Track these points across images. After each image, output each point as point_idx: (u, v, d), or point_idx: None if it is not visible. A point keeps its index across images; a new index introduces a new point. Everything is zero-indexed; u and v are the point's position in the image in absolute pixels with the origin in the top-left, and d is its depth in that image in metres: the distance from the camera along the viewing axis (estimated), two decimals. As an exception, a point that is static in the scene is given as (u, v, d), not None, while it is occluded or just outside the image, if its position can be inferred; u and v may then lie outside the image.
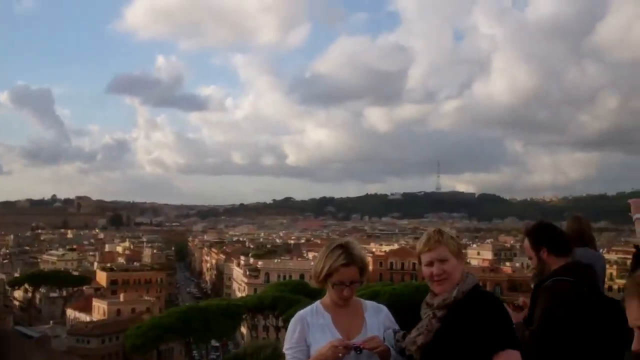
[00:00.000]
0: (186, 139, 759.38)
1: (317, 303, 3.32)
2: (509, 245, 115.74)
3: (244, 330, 63.45)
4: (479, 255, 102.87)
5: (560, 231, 4.10)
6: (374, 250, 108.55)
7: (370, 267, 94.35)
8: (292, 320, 3.25)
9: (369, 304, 3.35)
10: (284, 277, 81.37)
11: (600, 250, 6.80)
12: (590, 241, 5.21)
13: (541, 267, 3.87)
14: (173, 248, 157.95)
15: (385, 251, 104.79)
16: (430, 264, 3.00)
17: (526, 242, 4.02)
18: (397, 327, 3.25)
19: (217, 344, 61.63)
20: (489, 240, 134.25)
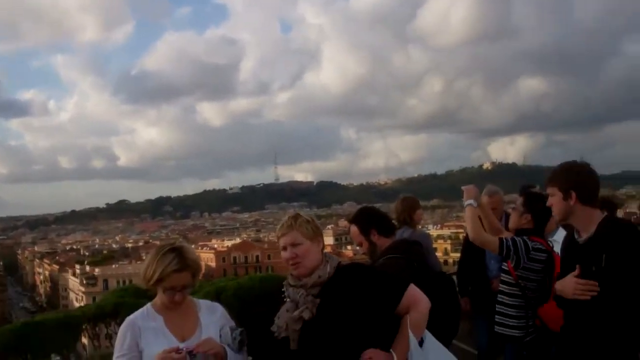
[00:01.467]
0: (7, 147, 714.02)
1: (148, 305, 3.17)
2: (348, 229, 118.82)
3: (85, 340, 60.93)
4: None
5: (384, 213, 4.35)
6: (215, 246, 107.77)
7: (213, 264, 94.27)
8: (122, 326, 3.08)
9: (203, 304, 3.26)
10: (124, 282, 78.68)
11: (434, 227, 7.18)
12: (406, 221, 5.52)
13: (373, 248, 4.04)
14: (1, 263, 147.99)
15: (227, 246, 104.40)
16: (285, 248, 3.02)
17: (353, 229, 4.16)
18: (233, 324, 3.17)
19: (58, 357, 58.79)
20: (329, 226, 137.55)
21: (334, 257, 3.11)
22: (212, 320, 3.17)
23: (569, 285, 3.26)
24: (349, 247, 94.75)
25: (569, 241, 3.46)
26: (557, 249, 4.09)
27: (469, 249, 5.87)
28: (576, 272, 3.24)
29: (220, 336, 3.06)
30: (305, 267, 2.98)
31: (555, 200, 3.35)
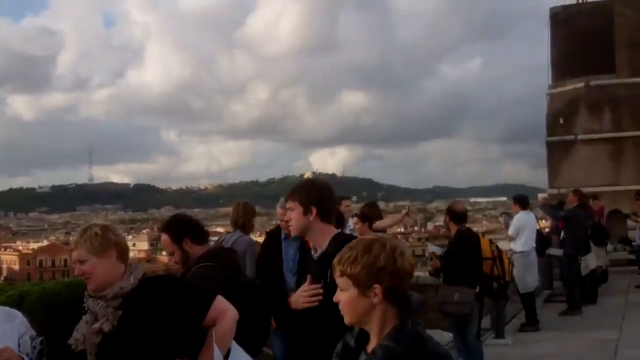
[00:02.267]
0: None
1: None
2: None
3: None
4: (134, 247, 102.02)
5: (196, 220, 4.26)
6: (20, 248, 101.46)
7: (17, 267, 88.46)
8: None
9: (1, 310, 3.10)
10: None
11: (253, 234, 7.22)
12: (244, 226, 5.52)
13: (185, 257, 3.94)
14: None
15: (33, 249, 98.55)
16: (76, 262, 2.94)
17: (164, 238, 4.03)
18: (33, 332, 3.03)
19: None
20: (145, 231, 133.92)
21: (139, 267, 3.03)
22: (10, 328, 3.00)
23: (297, 295, 3.40)
24: (164, 252, 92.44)
25: (309, 256, 3.56)
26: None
27: (264, 260, 5.97)
28: (306, 283, 3.35)
29: (19, 345, 2.90)
30: (95, 282, 2.89)
31: (294, 214, 3.39)
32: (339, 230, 3.48)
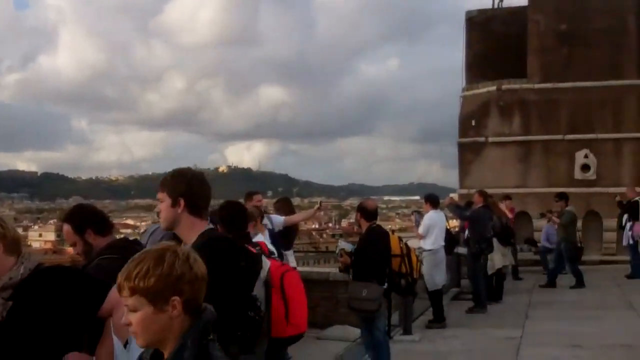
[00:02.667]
0: None
1: None
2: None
3: None
4: (41, 237, 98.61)
5: (100, 211, 4.10)
6: None
7: None
8: None
9: None
10: None
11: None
12: None
13: (88, 248, 3.79)
14: None
15: None
16: None
17: (66, 228, 3.86)
18: None
19: None
20: (52, 221, 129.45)
21: (33, 257, 2.93)
22: None
23: None
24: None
25: None
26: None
27: None
28: None
29: None
30: None
31: (163, 206, 3.23)
32: (210, 226, 3.27)
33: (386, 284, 7.19)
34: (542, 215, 16.02)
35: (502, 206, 14.08)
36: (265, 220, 7.38)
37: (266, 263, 3.36)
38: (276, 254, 5.33)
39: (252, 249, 3.71)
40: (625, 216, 15.36)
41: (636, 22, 18.26)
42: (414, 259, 7.77)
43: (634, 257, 15.22)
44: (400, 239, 8.12)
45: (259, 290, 3.21)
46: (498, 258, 12.46)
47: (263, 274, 3.24)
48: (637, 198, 15.22)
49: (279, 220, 7.98)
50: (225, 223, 4.45)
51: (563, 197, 14.43)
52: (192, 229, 3.16)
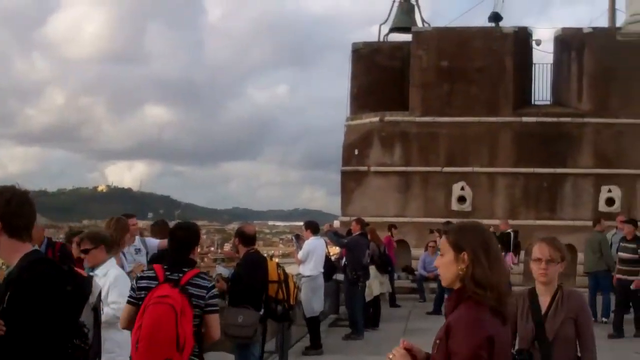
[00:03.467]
0: None
1: None
2: None
3: None
4: None
5: None
6: None
7: None
8: None
9: None
10: None
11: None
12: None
13: None
14: None
15: None
16: None
17: None
18: None
19: None
20: None
21: None
22: None
23: None
24: None
25: None
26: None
27: None
28: None
29: None
30: None
31: None
32: (34, 248, 3.04)
33: (262, 310, 7.10)
34: (431, 232, 16.39)
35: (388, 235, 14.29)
36: (138, 243, 7.14)
37: (97, 287, 3.14)
38: None
39: (82, 272, 3.47)
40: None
41: (513, 63, 19.21)
42: (291, 285, 7.71)
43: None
44: (278, 264, 8.05)
45: (87, 316, 2.99)
46: (376, 285, 12.63)
47: (92, 298, 3.02)
48: (509, 230, 15.89)
49: (153, 243, 7.75)
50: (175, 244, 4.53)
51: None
52: (14, 252, 2.95)
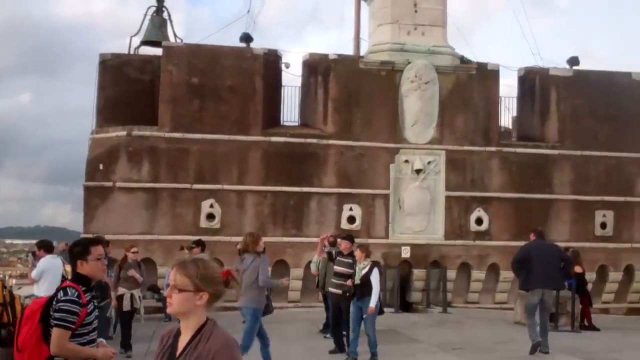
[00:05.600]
0: None
1: None
2: None
3: None
4: None
5: None
6: None
7: None
8: None
9: None
10: None
11: None
12: None
13: None
14: None
15: None
16: None
17: None
18: None
19: None
20: None
21: None
22: None
23: None
24: None
25: None
26: None
27: None
28: None
29: None
30: None
31: None
32: None
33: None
34: (181, 249, 16.04)
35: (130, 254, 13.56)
36: None
37: None
38: None
39: None
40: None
41: (263, 84, 19.58)
42: (18, 307, 6.95)
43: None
44: (4, 286, 7.24)
45: None
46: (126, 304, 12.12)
47: None
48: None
49: None
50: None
51: (200, 243, 14.77)
52: None
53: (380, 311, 11.17)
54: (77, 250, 4.62)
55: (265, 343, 9.71)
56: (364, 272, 10.86)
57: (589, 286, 18.69)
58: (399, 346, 12.23)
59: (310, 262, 15.64)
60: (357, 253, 11.21)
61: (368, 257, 11.13)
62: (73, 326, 4.38)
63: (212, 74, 19.36)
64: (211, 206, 18.87)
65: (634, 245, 20.92)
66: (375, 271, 10.84)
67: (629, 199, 20.96)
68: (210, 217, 18.85)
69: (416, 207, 19.77)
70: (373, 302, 10.69)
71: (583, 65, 21.57)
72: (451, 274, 19.72)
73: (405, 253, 19.53)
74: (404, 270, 19.43)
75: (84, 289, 4.51)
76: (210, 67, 19.41)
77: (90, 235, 17.27)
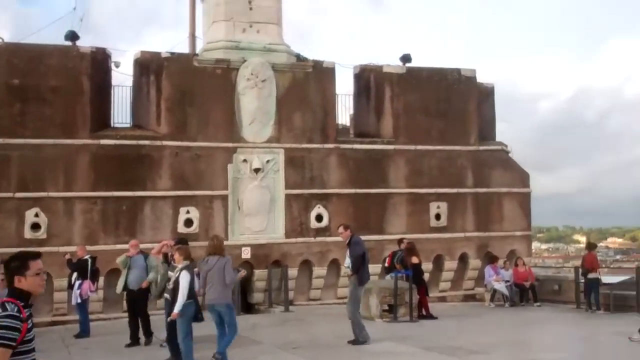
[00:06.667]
0: None
1: None
2: None
3: None
4: None
5: None
6: None
7: None
8: None
9: None
10: None
11: None
12: None
13: None
14: None
15: None
16: None
17: None
18: None
19: None
20: None
21: None
22: None
23: None
24: None
25: None
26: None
27: None
28: None
29: None
30: None
31: None
32: None
33: None
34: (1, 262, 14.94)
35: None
36: None
37: None
38: None
39: None
40: (75, 274, 15.28)
41: (89, 83, 18.61)
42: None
43: (82, 315, 15.26)
44: None
45: None
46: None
47: None
48: (87, 256, 15.30)
49: None
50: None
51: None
52: None
53: (195, 317, 10.80)
54: (15, 265, 4.14)
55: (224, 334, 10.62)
56: (176, 275, 10.49)
57: (426, 276, 19.31)
58: (239, 349, 11.93)
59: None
60: (176, 256, 10.81)
61: (188, 259, 10.73)
62: (14, 343, 3.93)
63: (35, 74, 18.18)
64: (36, 215, 17.70)
65: (467, 234, 21.81)
66: (184, 274, 10.42)
67: (460, 190, 21.80)
68: (36, 227, 17.66)
69: (256, 207, 19.58)
70: (177, 308, 10.30)
71: (416, 62, 22.16)
72: (293, 272, 19.70)
73: (246, 254, 19.30)
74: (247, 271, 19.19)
75: (22, 304, 4.08)
76: (33, 67, 18.21)
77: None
